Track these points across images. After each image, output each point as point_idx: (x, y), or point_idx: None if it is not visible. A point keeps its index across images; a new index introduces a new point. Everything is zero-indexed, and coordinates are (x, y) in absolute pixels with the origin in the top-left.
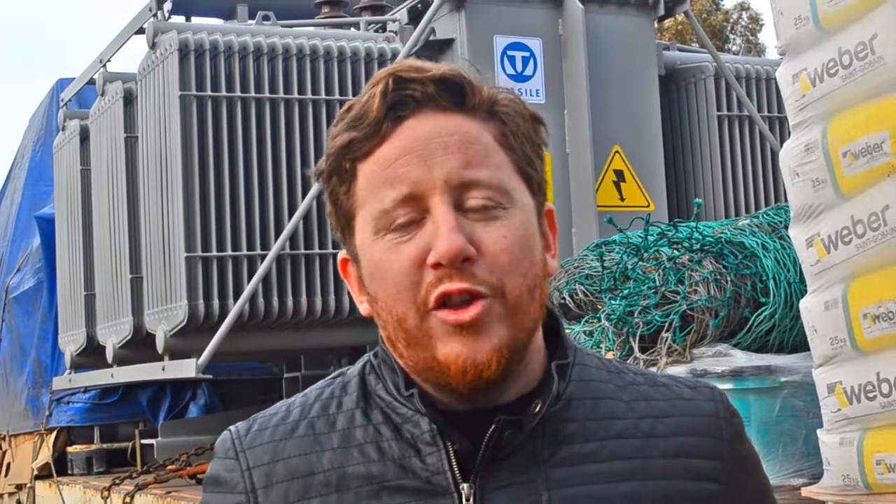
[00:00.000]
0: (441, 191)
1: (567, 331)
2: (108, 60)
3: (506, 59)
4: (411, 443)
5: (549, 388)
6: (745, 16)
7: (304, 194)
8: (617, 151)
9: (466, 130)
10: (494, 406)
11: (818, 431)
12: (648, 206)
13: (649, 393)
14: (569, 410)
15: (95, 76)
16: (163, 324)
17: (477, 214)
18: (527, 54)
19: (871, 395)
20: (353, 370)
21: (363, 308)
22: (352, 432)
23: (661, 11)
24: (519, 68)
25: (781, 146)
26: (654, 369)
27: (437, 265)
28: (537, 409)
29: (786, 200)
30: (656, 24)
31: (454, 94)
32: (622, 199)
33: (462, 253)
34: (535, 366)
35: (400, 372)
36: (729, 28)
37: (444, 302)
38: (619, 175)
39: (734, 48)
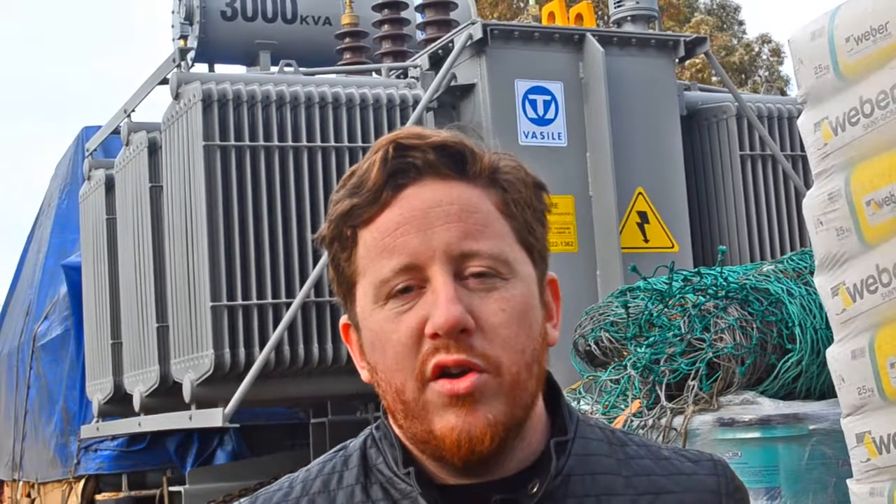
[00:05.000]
0: (440, 261)
1: (579, 389)
2: (133, 110)
3: (527, 103)
4: None
5: (548, 467)
6: (766, 48)
7: None
8: (640, 193)
9: (467, 199)
10: (492, 482)
11: (848, 481)
12: (672, 247)
13: (650, 467)
14: (568, 486)
15: (120, 126)
16: (189, 373)
17: (476, 284)
18: (548, 98)
19: None
20: (356, 443)
21: (364, 375)
22: None
23: (682, 52)
24: (541, 112)
25: (805, 184)
26: (680, 418)
27: (434, 335)
28: (534, 489)
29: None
30: (677, 65)
31: (455, 162)
32: (646, 241)
33: (459, 324)
34: (535, 439)
35: (398, 447)
36: (750, 62)
37: (441, 373)
38: (643, 216)
39: (757, 80)
